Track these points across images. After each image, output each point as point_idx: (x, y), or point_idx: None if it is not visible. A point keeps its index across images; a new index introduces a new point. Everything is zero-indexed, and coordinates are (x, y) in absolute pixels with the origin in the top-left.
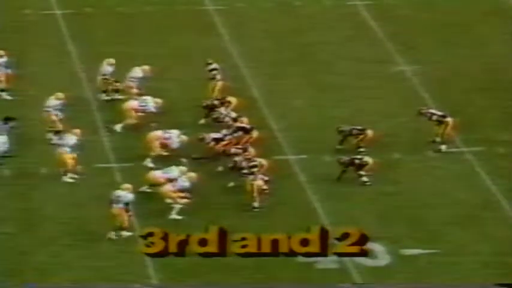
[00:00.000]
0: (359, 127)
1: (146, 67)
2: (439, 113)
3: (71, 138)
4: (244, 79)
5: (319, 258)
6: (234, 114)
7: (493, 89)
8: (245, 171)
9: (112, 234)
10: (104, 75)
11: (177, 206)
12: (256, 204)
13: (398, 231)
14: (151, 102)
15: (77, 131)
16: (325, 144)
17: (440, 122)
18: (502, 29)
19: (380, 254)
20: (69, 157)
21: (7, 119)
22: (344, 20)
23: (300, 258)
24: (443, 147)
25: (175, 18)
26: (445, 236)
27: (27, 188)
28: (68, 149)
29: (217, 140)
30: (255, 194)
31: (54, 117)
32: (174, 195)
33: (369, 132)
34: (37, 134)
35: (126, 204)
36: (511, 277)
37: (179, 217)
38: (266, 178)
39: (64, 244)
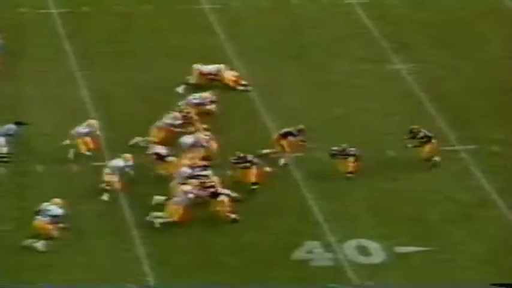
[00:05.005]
0: (352, 149)
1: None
2: (428, 134)
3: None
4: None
5: (314, 256)
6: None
7: (488, 88)
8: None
9: (28, 242)
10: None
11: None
12: (233, 216)
13: (393, 229)
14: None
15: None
16: (320, 142)
17: (426, 142)
18: (498, 28)
19: (375, 252)
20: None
21: (18, 123)
22: (340, 19)
23: (295, 256)
24: (437, 158)
25: (171, 17)
26: (439, 233)
27: (23, 186)
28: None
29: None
30: (227, 211)
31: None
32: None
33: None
34: (33, 132)
35: (54, 217)
36: (505, 275)
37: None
38: (228, 192)
39: (60, 242)
